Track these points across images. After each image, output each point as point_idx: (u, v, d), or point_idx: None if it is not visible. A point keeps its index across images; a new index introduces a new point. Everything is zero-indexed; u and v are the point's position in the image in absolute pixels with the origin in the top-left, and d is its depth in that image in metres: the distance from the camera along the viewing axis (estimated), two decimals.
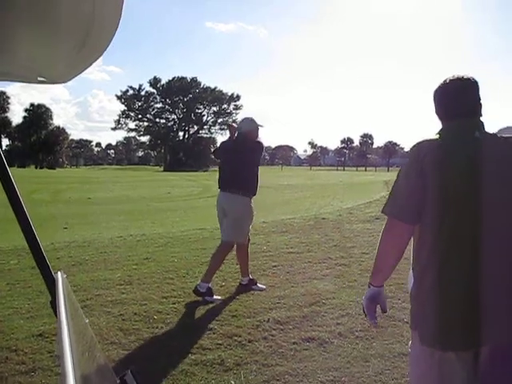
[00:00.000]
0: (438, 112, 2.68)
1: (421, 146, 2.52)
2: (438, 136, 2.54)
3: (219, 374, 4.29)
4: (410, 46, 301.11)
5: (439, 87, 2.65)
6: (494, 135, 2.52)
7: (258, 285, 6.66)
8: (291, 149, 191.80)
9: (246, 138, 6.54)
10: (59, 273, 1.34)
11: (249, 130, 6.61)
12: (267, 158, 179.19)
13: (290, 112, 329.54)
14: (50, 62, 1.22)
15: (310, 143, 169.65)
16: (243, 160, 6.45)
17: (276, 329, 5.23)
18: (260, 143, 6.66)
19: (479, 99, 2.60)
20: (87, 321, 1.52)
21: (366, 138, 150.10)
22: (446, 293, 2.38)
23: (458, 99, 2.59)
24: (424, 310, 2.48)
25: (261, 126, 6.80)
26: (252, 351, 4.72)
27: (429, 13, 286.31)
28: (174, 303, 5.98)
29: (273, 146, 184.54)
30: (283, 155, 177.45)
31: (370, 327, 5.11)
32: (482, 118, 2.59)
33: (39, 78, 1.34)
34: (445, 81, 2.63)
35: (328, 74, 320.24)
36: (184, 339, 4.96)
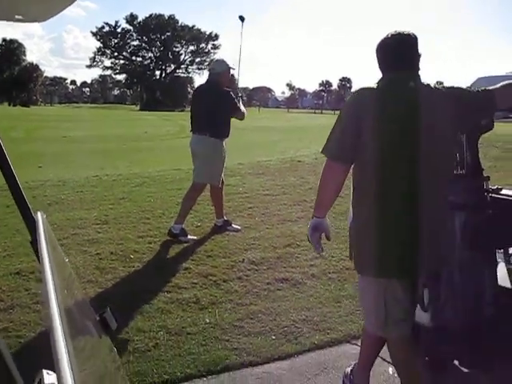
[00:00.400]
0: (379, 65, 2.88)
1: (358, 93, 2.87)
2: (376, 85, 2.79)
3: (194, 312, 4.39)
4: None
5: (381, 41, 2.85)
6: (427, 86, 2.76)
7: (233, 225, 6.74)
8: (269, 90, 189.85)
9: (218, 79, 6.53)
10: (39, 213, 1.35)
11: (221, 71, 6.58)
12: (245, 98, 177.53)
13: (277, 56, 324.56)
14: (29, 1, 1.19)
15: (288, 85, 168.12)
16: (214, 102, 6.37)
17: (251, 269, 5.33)
18: (228, 93, 6.56)
19: (418, 54, 2.81)
20: (67, 260, 1.56)
21: (345, 82, 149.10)
22: (382, 225, 2.68)
23: (396, 52, 2.80)
24: (361, 241, 2.85)
25: (232, 68, 6.81)
26: (227, 291, 4.82)
27: None
28: (150, 243, 6.04)
29: (251, 87, 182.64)
30: (261, 97, 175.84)
31: (342, 269, 5.25)
32: (420, 72, 2.81)
33: (17, 17, 1.32)
34: (386, 35, 2.83)
35: (315, 17, 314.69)
36: (160, 278, 5.04)
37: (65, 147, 17.80)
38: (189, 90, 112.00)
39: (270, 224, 6.99)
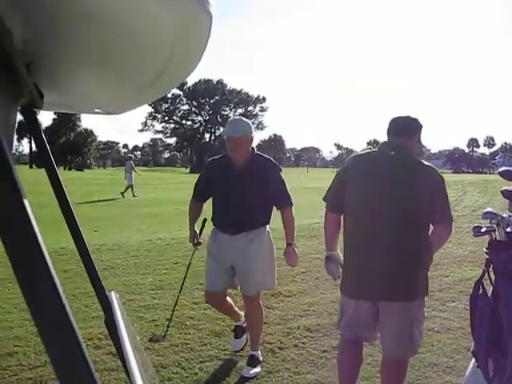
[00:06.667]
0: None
1: (349, 158, 3.89)
2: (372, 150, 3.94)
3: (251, 381, 4.35)
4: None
5: (393, 118, 3.69)
6: (405, 155, 3.52)
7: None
8: (317, 150, 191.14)
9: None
10: (112, 293, 1.41)
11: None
12: (292, 159, 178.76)
13: (325, 118, 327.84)
14: (110, 99, 1.25)
15: (335, 145, 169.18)
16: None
17: (306, 336, 5.28)
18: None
19: (414, 134, 3.64)
20: (138, 338, 1.60)
21: None
22: (349, 259, 3.60)
23: (395, 127, 3.63)
24: (343, 269, 3.71)
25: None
26: (283, 359, 4.78)
27: None
28: (205, 309, 6.03)
29: (298, 148, 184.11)
30: (309, 156, 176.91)
31: None
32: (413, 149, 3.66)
33: (96, 110, 1.40)
34: (399, 115, 3.68)
35: (350, 81, 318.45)
36: (216, 346, 5.04)
37: (118, 211, 18.19)
38: None
39: (324, 289, 6.93)
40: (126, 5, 0.63)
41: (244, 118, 4.87)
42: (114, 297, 1.39)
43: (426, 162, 3.54)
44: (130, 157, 28.86)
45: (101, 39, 0.73)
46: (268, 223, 4.72)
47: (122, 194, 24.88)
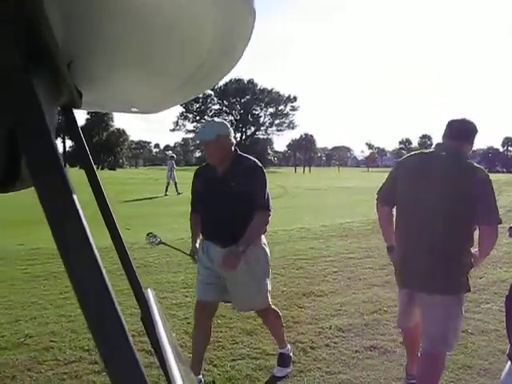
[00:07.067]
0: None
1: (403, 157, 4.11)
2: (425, 150, 4.03)
3: (283, 380, 4.36)
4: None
5: (449, 121, 3.81)
6: (456, 157, 3.64)
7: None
8: (348, 149, 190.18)
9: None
10: (149, 290, 1.43)
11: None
12: (324, 158, 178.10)
13: (346, 116, 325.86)
14: (148, 99, 1.26)
15: (367, 144, 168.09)
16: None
17: (338, 336, 5.26)
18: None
19: (468, 137, 3.78)
20: (174, 335, 1.62)
21: (425, 139, 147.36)
22: (401, 249, 3.82)
23: (450, 130, 3.76)
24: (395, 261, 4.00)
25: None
26: (314, 358, 4.77)
27: None
28: None
29: (329, 147, 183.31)
30: (340, 156, 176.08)
31: None
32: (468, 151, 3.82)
33: (132, 109, 1.41)
34: (455, 119, 3.82)
35: (381, 77, 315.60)
36: (247, 344, 5.05)
37: (150, 209, 18.34)
38: (268, 151, 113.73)
39: (355, 289, 6.91)
40: (168, 2, 0.63)
41: (218, 119, 4.41)
42: (150, 294, 1.40)
43: (475, 164, 3.64)
44: (172, 156, 29.18)
45: (141, 37, 0.73)
46: (262, 233, 4.27)
47: (165, 192, 25.68)
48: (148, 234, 4.86)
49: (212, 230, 4.23)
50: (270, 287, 4.30)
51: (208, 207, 4.25)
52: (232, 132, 4.24)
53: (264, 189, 4.14)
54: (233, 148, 4.21)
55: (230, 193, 4.09)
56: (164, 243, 4.94)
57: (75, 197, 0.47)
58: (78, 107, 0.95)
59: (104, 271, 0.45)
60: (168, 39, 0.73)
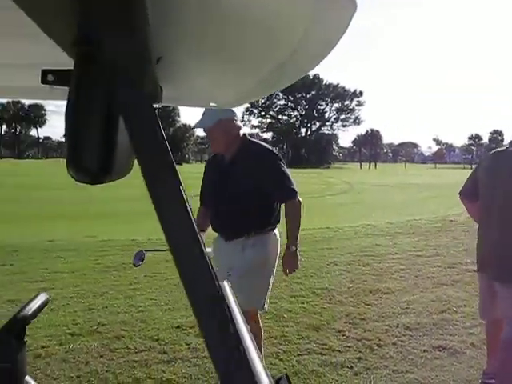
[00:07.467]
0: None
1: (485, 155, 4.35)
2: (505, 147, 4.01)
3: (348, 377, 4.32)
4: None
5: None
6: None
7: None
8: (415, 145, 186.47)
9: None
10: (225, 282, 1.44)
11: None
12: (390, 155, 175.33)
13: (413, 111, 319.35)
14: (227, 93, 1.26)
15: (434, 139, 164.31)
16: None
17: (405, 335, 5.18)
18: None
19: None
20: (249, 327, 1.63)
21: (496, 135, 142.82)
22: (480, 241, 4.07)
23: None
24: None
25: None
26: (381, 356, 4.71)
27: None
28: (303, 303, 6.08)
29: (396, 143, 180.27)
30: (406, 152, 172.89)
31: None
32: None
33: (211, 104, 1.42)
34: None
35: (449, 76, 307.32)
36: (314, 339, 5.04)
37: None
38: (334, 147, 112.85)
39: (423, 287, 6.79)
40: None
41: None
42: (226, 285, 1.42)
43: None
44: None
45: (232, 33, 0.73)
46: (273, 226, 3.89)
47: None
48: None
49: (219, 221, 3.92)
50: (269, 292, 3.95)
51: (215, 197, 3.93)
52: (237, 115, 3.85)
53: (281, 175, 3.76)
54: (241, 133, 3.85)
55: (237, 181, 3.75)
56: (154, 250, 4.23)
57: (182, 188, 0.50)
58: (159, 102, 0.96)
59: (209, 260, 0.47)
60: (257, 33, 0.72)
